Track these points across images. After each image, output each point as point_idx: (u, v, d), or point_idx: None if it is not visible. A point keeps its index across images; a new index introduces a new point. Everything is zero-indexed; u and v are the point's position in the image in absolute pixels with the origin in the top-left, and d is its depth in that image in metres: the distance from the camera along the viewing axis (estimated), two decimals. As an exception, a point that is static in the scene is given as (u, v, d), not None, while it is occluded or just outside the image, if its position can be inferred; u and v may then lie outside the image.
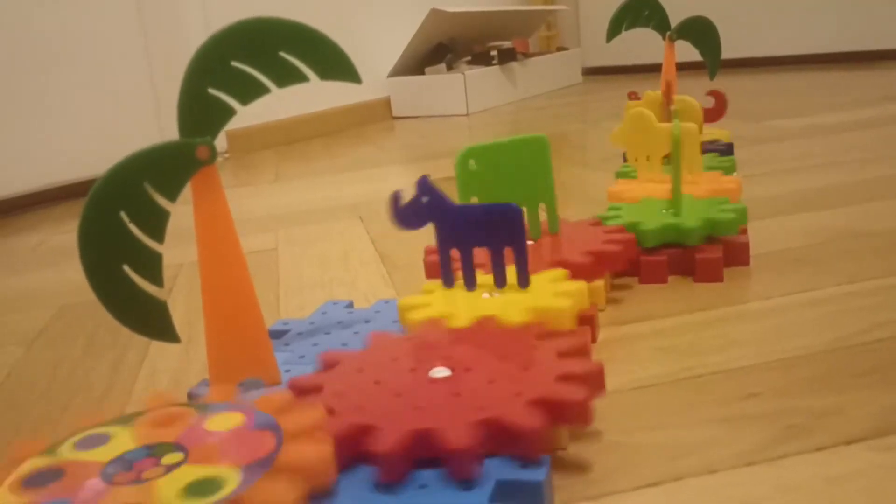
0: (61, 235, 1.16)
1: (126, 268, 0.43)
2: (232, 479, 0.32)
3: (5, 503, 0.32)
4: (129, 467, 0.34)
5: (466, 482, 0.35)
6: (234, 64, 0.44)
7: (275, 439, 0.34)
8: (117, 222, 0.42)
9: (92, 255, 0.42)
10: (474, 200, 0.62)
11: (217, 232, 0.45)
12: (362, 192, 1.19)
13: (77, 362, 0.63)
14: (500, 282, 0.54)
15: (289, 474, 0.32)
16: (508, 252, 0.53)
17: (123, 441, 0.36)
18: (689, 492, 0.37)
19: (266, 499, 0.30)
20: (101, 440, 0.36)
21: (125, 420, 0.38)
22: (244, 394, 0.44)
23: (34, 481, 0.33)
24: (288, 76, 0.46)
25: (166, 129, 1.48)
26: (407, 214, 0.54)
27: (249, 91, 0.45)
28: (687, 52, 1.05)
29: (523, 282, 0.53)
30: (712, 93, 0.97)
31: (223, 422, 0.36)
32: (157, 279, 0.44)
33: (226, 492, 0.31)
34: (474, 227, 0.53)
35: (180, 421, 0.37)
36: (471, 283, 0.54)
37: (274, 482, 0.31)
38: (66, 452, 0.35)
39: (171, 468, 0.33)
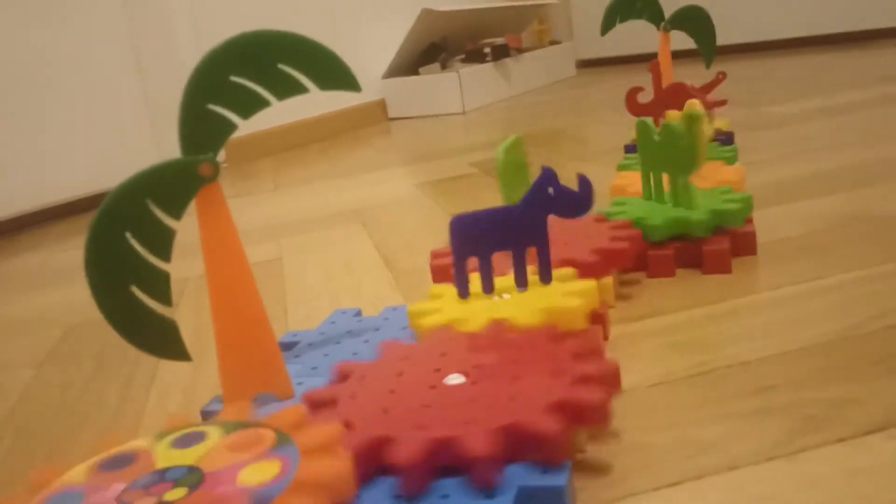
0: (63, 254, 1.16)
1: (134, 288, 0.43)
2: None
3: (75, 475, 0.34)
4: (149, 486, 0.33)
5: (488, 489, 0.35)
6: (234, 78, 0.44)
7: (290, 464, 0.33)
8: (123, 243, 0.42)
9: (99, 277, 0.42)
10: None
11: (223, 248, 0.45)
12: (363, 197, 1.18)
13: (87, 383, 0.63)
14: (523, 283, 0.53)
15: (310, 490, 0.32)
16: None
17: (202, 449, 0.35)
18: (711, 490, 0.37)
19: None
20: (198, 439, 0.36)
21: (230, 426, 0.37)
22: (258, 409, 0.44)
23: (111, 464, 0.35)
24: (287, 88, 0.45)
25: (163, 144, 1.48)
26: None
27: (249, 105, 0.45)
28: (682, 40, 1.04)
29: (546, 278, 0.53)
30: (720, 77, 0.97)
31: (258, 472, 0.33)
32: (165, 298, 0.44)
33: None
34: (499, 230, 0.52)
35: (247, 450, 0.35)
36: (490, 288, 0.53)
37: (297, 497, 0.31)
38: (162, 447, 0.36)
39: None
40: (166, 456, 0.35)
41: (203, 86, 0.44)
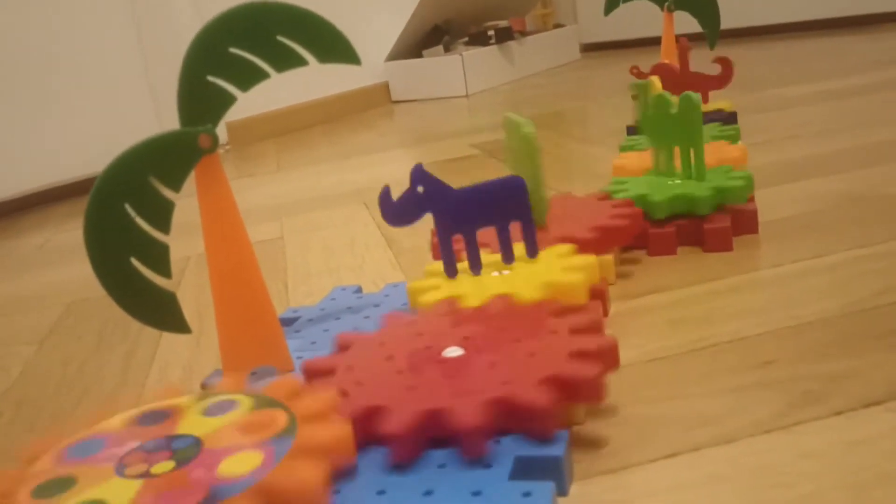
0: (65, 234, 1.16)
1: (133, 260, 0.43)
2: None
3: (111, 424, 0.35)
4: (152, 452, 0.33)
5: (484, 460, 0.35)
6: (233, 50, 0.44)
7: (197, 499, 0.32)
8: (122, 215, 0.42)
9: (98, 249, 0.42)
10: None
11: (222, 219, 0.45)
12: (365, 178, 1.18)
13: (88, 358, 0.63)
14: (509, 257, 0.54)
15: (313, 454, 0.32)
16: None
17: (227, 419, 0.35)
18: (707, 462, 0.37)
19: (293, 479, 0.30)
20: (231, 406, 0.36)
21: (262, 400, 0.36)
22: (255, 383, 0.44)
23: (149, 419, 0.36)
24: (287, 60, 0.45)
25: (165, 121, 1.48)
26: (403, 209, 0.52)
27: (249, 77, 0.45)
28: (686, 23, 1.04)
29: (532, 252, 0.53)
30: (719, 60, 0.96)
31: (239, 464, 0.32)
32: (164, 270, 0.44)
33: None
34: (479, 207, 0.52)
35: (248, 436, 0.34)
36: (477, 267, 0.54)
37: (300, 462, 0.31)
38: (194, 411, 0.36)
39: (144, 475, 0.32)
40: (191, 422, 0.35)
41: (202, 57, 0.44)
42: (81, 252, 0.42)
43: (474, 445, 0.35)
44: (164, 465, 0.32)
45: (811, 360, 0.44)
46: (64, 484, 0.32)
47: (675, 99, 0.68)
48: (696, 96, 0.66)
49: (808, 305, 0.51)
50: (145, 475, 0.32)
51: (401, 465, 0.35)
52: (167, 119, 1.50)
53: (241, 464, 0.32)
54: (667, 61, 0.99)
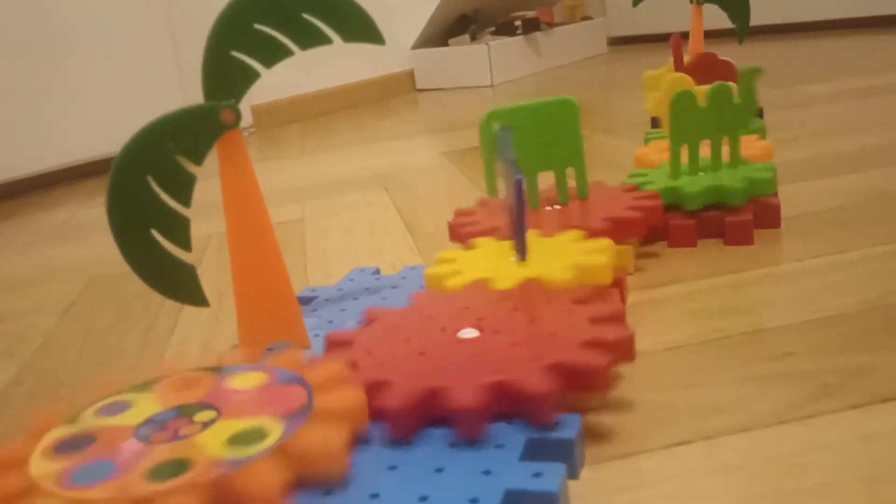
0: (89, 210, 1.17)
1: (154, 232, 0.43)
2: (275, 428, 0.32)
3: (43, 469, 0.32)
4: (163, 427, 0.34)
5: (496, 440, 0.35)
6: (257, 26, 0.44)
7: (304, 392, 0.34)
8: (144, 186, 0.42)
9: (120, 220, 0.42)
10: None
11: (243, 195, 0.45)
12: (387, 164, 1.18)
13: (108, 331, 0.64)
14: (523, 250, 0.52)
15: (334, 418, 0.32)
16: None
17: (147, 406, 0.36)
18: (720, 450, 0.36)
19: (318, 442, 0.30)
20: (123, 407, 0.36)
21: (142, 387, 0.38)
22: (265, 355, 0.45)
23: (66, 447, 0.33)
24: (311, 38, 0.45)
25: (191, 99, 1.49)
26: None
27: (273, 54, 0.45)
28: (715, 18, 1.03)
29: (522, 255, 0.52)
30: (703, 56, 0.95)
31: (246, 380, 0.36)
32: (185, 243, 0.44)
33: (271, 440, 0.31)
34: None
35: (200, 384, 0.37)
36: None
37: (322, 427, 0.31)
38: (91, 419, 0.36)
39: (207, 424, 0.33)
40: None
41: (227, 33, 0.44)
42: (105, 228, 0.42)
43: (469, 426, 0.35)
44: (206, 415, 0.33)
45: (829, 354, 0.44)
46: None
47: (700, 90, 0.67)
48: (731, 86, 0.65)
49: (828, 300, 0.51)
50: (210, 422, 0.33)
51: (398, 440, 0.35)
52: (193, 94, 1.51)
53: (248, 380, 0.33)
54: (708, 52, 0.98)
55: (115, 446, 0.33)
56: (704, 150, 0.68)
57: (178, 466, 0.30)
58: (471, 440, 0.35)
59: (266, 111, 1.80)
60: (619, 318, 0.43)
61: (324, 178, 1.16)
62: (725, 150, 0.68)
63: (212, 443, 0.32)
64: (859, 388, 0.40)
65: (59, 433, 0.35)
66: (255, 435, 0.32)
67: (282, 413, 0.33)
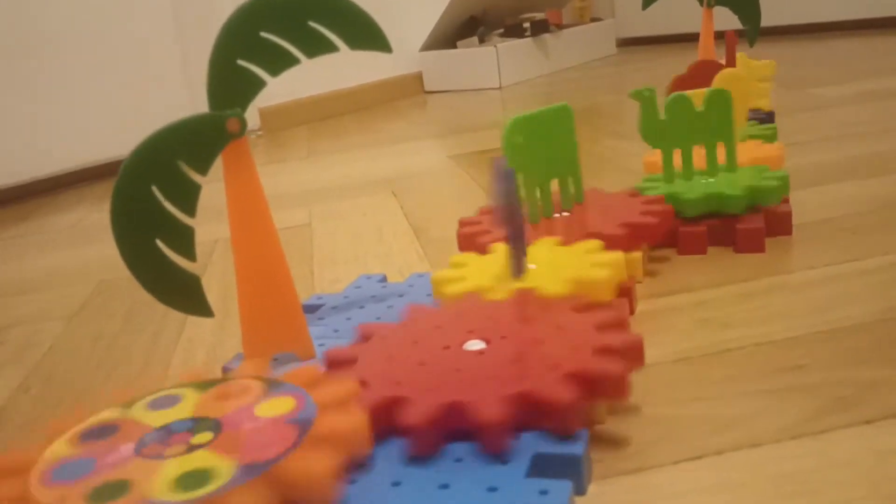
0: (99, 213, 1.17)
1: (158, 242, 0.43)
2: (223, 476, 0.30)
3: (55, 451, 0.33)
4: (168, 437, 0.33)
5: (503, 456, 0.34)
6: (263, 35, 0.44)
7: (295, 436, 0.32)
8: (148, 196, 0.42)
9: (124, 229, 0.42)
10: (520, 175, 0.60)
11: (248, 205, 0.45)
12: (395, 167, 1.18)
13: (116, 336, 0.64)
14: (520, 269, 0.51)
15: (327, 443, 0.32)
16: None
17: (187, 406, 0.35)
18: (731, 465, 0.36)
19: (304, 467, 0.30)
20: (173, 402, 0.36)
21: (202, 386, 0.37)
22: (276, 368, 0.44)
23: (91, 435, 0.34)
24: (317, 46, 0.45)
25: (199, 103, 1.49)
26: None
27: (279, 62, 0.44)
28: (725, 19, 1.02)
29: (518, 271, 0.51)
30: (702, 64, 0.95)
31: (271, 408, 0.35)
32: (189, 253, 0.44)
33: (207, 490, 0.29)
34: None
35: (242, 397, 0.36)
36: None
37: (313, 451, 0.31)
38: (137, 410, 0.35)
39: (192, 449, 0.32)
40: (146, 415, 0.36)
41: (233, 41, 0.44)
42: (113, 232, 0.42)
43: (495, 440, 0.34)
44: (204, 437, 0.33)
45: (842, 366, 0.43)
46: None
47: (695, 95, 0.67)
48: (728, 92, 0.65)
49: (841, 310, 0.50)
50: (196, 447, 0.32)
51: (419, 457, 0.35)
52: (201, 101, 1.51)
53: (275, 408, 0.32)
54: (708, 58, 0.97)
55: (118, 446, 0.32)
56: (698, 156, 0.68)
57: (116, 490, 0.29)
58: (496, 453, 0.34)
59: (274, 114, 1.79)
60: (623, 324, 0.42)
61: (331, 181, 1.15)
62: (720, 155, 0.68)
63: (161, 478, 0.30)
64: (874, 402, 0.39)
65: (102, 417, 0.35)
66: (199, 480, 0.30)
67: (244, 461, 0.31)
